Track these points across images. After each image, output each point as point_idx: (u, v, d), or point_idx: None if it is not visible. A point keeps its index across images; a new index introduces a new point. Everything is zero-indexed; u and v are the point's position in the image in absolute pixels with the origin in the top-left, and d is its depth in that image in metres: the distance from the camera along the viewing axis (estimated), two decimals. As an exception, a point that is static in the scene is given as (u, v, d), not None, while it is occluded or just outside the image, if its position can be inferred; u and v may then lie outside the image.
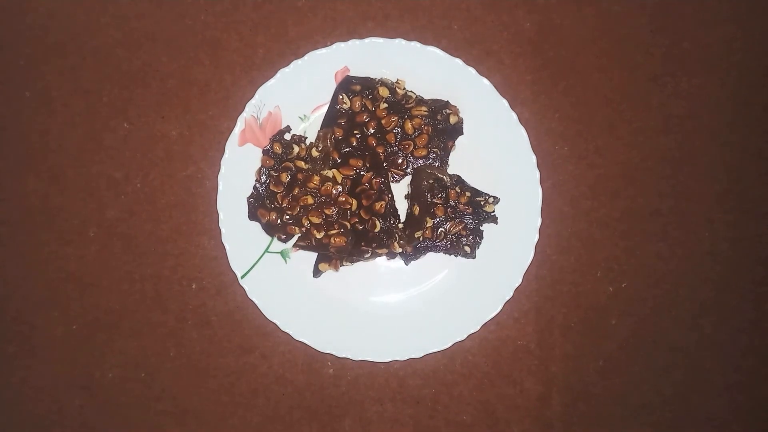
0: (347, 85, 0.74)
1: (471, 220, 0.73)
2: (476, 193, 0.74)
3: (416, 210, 0.73)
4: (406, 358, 0.73)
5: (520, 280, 0.74)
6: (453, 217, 0.73)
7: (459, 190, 0.73)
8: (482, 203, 0.73)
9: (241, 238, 0.74)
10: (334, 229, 0.73)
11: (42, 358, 0.78)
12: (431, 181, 0.72)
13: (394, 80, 0.75)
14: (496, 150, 0.75)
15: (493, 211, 0.74)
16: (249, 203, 0.74)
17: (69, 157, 0.79)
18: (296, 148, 0.74)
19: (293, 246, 0.75)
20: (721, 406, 0.79)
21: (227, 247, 0.73)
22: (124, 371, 0.78)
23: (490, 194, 0.74)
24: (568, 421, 0.77)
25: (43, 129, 0.80)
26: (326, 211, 0.73)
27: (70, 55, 0.80)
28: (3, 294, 0.79)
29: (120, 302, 0.78)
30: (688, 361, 0.79)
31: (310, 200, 0.72)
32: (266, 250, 0.75)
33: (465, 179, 0.75)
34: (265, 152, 0.74)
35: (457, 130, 0.75)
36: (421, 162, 0.74)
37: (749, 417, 0.79)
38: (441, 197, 0.72)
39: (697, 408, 0.78)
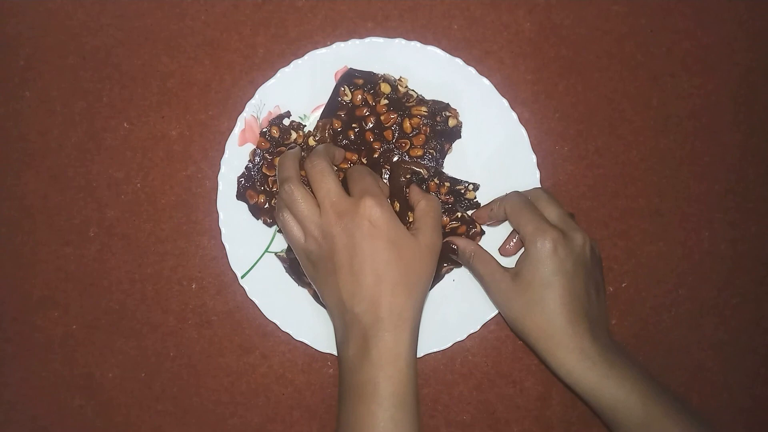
0: (350, 77, 0.74)
1: (454, 209, 0.74)
2: (455, 182, 0.74)
3: (397, 206, 0.73)
4: (406, 358, 0.73)
5: (520, 280, 0.74)
6: None
7: (438, 181, 0.73)
8: (463, 191, 0.73)
9: (241, 238, 0.74)
10: None
11: (42, 358, 0.78)
12: (408, 176, 0.72)
13: (397, 78, 0.75)
14: (496, 149, 0.75)
15: (475, 198, 0.74)
16: (239, 182, 0.74)
17: (69, 157, 0.79)
18: (293, 135, 0.74)
19: (278, 231, 0.75)
20: (721, 406, 0.78)
21: (227, 247, 0.73)
22: (124, 371, 0.78)
23: (469, 181, 0.74)
24: (568, 421, 0.77)
25: (43, 129, 0.80)
26: None
27: (70, 55, 0.80)
28: (3, 294, 0.79)
29: (120, 302, 0.78)
30: (688, 361, 0.79)
31: None
32: (266, 250, 0.75)
33: (465, 179, 0.74)
34: (261, 134, 0.74)
35: (455, 133, 0.75)
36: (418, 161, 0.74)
37: (749, 417, 0.79)
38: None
39: (697, 408, 0.78)
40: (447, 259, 0.74)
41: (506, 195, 0.72)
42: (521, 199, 0.70)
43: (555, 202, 0.69)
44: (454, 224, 0.74)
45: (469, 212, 0.75)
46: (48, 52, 0.80)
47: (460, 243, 0.71)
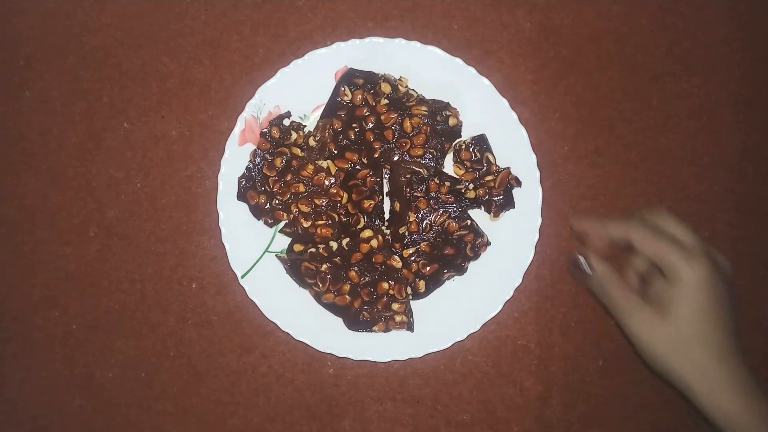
0: (350, 77, 0.74)
1: (454, 209, 0.73)
2: (455, 181, 0.74)
3: (397, 206, 0.73)
4: (406, 357, 0.73)
5: (520, 280, 0.73)
6: (436, 208, 0.73)
7: (438, 181, 0.73)
8: (463, 191, 0.73)
9: (241, 238, 0.74)
10: (322, 220, 0.73)
11: (42, 358, 0.78)
12: (408, 176, 0.72)
13: (397, 77, 0.75)
14: (497, 150, 0.75)
15: (475, 197, 0.74)
16: (239, 183, 0.74)
17: (69, 157, 0.79)
18: (294, 135, 0.74)
19: (279, 231, 0.75)
20: (721, 406, 0.78)
21: (227, 247, 0.73)
22: (124, 371, 0.78)
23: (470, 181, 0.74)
24: (568, 421, 0.77)
25: (43, 129, 0.80)
26: (316, 201, 0.73)
27: (70, 55, 0.80)
28: (3, 294, 0.79)
29: (120, 302, 0.78)
30: (688, 361, 0.78)
31: (302, 188, 0.73)
32: (266, 250, 0.75)
33: (464, 178, 0.75)
34: (262, 134, 0.74)
35: (455, 132, 0.75)
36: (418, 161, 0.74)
37: (749, 417, 0.79)
38: (422, 190, 0.72)
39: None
40: (449, 265, 0.73)
41: (626, 218, 0.64)
42: (649, 225, 0.62)
43: (684, 223, 0.62)
44: (462, 232, 0.73)
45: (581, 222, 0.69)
46: (48, 52, 0.80)
47: (596, 263, 0.63)
